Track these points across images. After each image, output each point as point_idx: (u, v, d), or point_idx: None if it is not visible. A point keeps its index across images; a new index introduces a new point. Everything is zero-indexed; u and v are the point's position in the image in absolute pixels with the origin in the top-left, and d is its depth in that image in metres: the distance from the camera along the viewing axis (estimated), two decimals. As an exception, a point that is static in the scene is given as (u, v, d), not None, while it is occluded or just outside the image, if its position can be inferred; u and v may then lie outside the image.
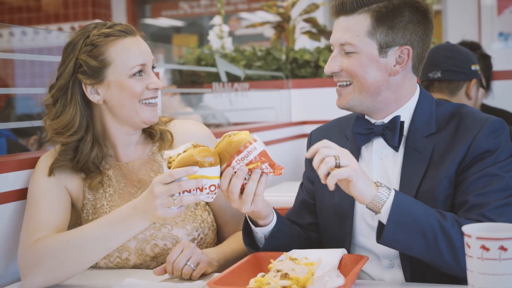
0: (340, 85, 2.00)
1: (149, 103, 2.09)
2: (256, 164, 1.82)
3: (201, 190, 1.81)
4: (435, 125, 1.99)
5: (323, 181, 1.76)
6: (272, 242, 1.98)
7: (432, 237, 1.74)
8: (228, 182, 1.84)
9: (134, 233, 1.90)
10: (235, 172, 1.83)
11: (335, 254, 1.81)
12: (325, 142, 1.79)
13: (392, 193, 1.77)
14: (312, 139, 2.26)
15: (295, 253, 1.80)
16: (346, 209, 2.04)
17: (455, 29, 8.06)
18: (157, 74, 2.21)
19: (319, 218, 2.14)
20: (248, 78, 4.66)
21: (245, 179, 1.84)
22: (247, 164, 1.81)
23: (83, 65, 2.04)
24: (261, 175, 1.85)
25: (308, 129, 4.78)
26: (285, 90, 4.86)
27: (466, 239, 1.43)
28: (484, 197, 1.82)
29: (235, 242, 2.18)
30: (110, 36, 2.05)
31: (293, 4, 5.18)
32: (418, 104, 2.02)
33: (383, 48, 1.93)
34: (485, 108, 3.67)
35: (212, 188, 1.82)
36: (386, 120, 2.01)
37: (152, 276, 2.02)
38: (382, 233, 1.76)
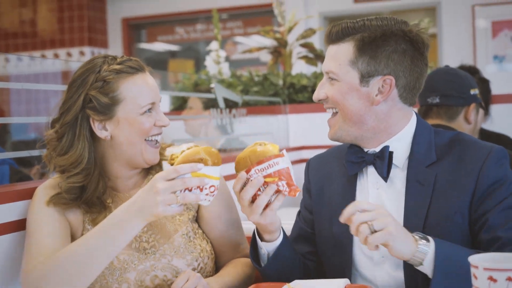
0: (330, 114, 2.03)
1: (153, 140, 2.07)
2: (273, 179, 1.81)
3: (201, 189, 1.80)
4: (435, 154, 1.97)
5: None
6: (275, 262, 1.98)
7: None
8: (240, 187, 1.86)
9: (131, 236, 1.87)
10: (250, 180, 1.83)
11: (337, 285, 1.78)
12: (357, 205, 1.74)
13: (432, 244, 1.73)
14: (310, 167, 2.25)
15: (298, 284, 1.77)
16: (344, 239, 2.02)
17: (450, 52, 8.11)
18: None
19: (317, 246, 2.13)
20: (245, 104, 4.65)
21: (259, 190, 1.83)
22: (264, 177, 1.81)
23: (93, 101, 2.00)
24: (278, 192, 1.84)
25: (306, 154, 4.78)
26: (282, 115, 4.85)
27: (473, 270, 1.41)
28: None
29: (233, 270, 2.14)
30: (122, 73, 2.02)
31: (289, 29, 5.18)
32: (416, 135, 2.01)
33: (364, 78, 1.94)
34: (483, 133, 3.66)
35: (212, 189, 1.82)
36: (378, 149, 2.00)
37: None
38: (430, 286, 1.73)
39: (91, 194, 2.06)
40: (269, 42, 8.41)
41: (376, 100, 1.94)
